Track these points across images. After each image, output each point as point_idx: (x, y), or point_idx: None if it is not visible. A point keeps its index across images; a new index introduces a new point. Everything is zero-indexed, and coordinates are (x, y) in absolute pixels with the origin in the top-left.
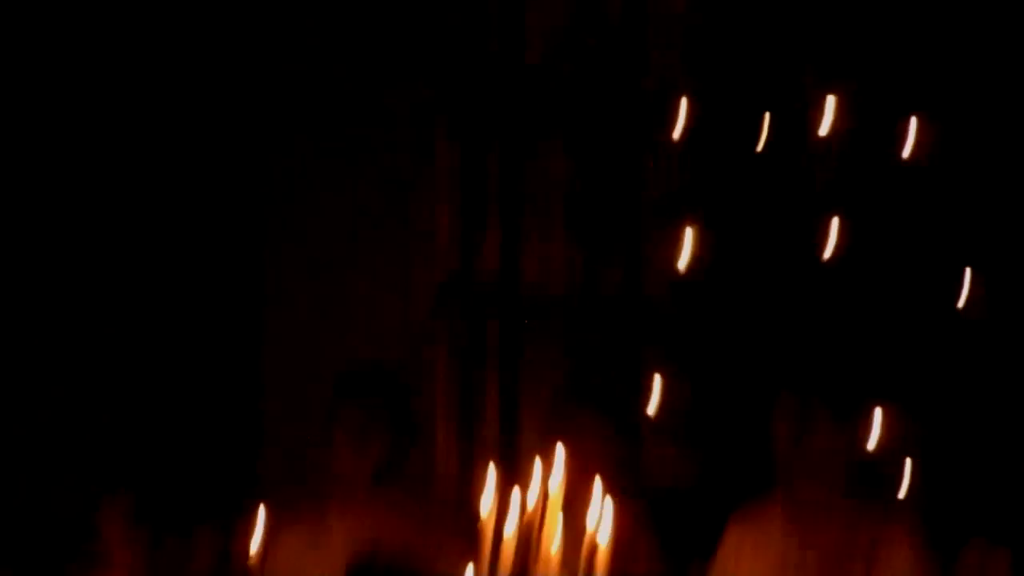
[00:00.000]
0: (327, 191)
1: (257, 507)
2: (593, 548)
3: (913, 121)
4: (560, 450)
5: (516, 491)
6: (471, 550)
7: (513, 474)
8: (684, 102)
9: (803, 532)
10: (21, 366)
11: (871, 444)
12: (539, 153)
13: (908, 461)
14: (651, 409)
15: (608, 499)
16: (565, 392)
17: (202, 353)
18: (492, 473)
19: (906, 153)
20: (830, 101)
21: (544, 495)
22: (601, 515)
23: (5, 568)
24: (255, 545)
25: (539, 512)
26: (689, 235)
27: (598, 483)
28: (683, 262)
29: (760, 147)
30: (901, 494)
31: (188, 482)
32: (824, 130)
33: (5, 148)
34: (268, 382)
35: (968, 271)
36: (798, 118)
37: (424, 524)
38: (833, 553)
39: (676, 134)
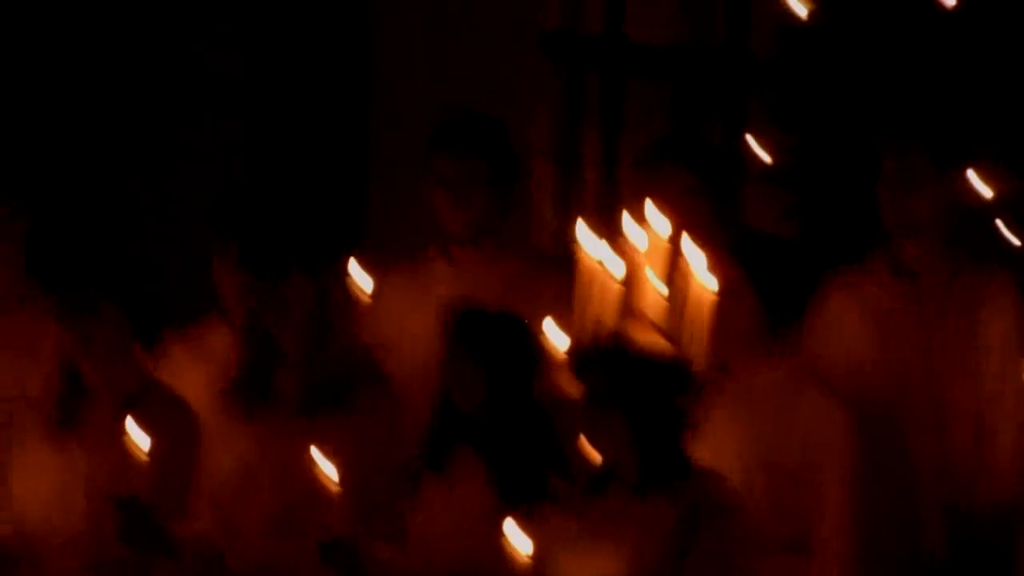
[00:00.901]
0: None
1: (359, 257)
2: (695, 288)
3: None
4: (649, 204)
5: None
6: (570, 300)
7: (612, 226)
8: None
9: (905, 288)
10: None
11: (974, 199)
12: None
13: (1011, 216)
14: (754, 161)
15: (699, 252)
16: (654, 145)
17: (311, 106)
18: (588, 224)
19: None
20: None
21: (645, 244)
22: (700, 265)
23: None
24: (355, 292)
25: (640, 260)
26: None
27: (686, 238)
28: (793, 7)
29: None
30: (1003, 248)
31: (290, 230)
32: None
33: None
34: (374, 135)
35: None
36: None
37: (523, 274)
38: (934, 309)
39: None
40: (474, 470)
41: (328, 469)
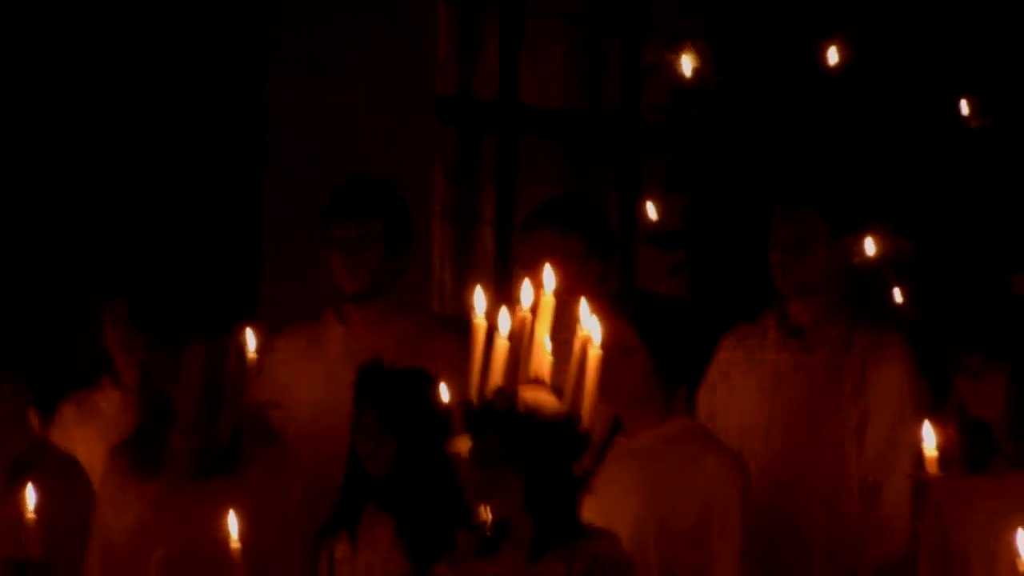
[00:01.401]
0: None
1: (253, 318)
2: (585, 347)
3: None
4: (538, 266)
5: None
6: (465, 359)
7: (508, 285)
8: None
9: (794, 348)
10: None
11: (865, 261)
12: None
13: (901, 278)
14: (646, 222)
15: (590, 308)
16: (538, 210)
17: (204, 171)
18: (482, 285)
19: None
20: None
21: (535, 301)
22: (590, 320)
23: (15, 377)
24: (250, 353)
25: (530, 316)
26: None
27: (583, 301)
28: (685, 72)
29: None
30: (893, 311)
31: (184, 291)
32: None
33: None
34: (267, 198)
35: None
36: None
37: (417, 334)
38: (824, 370)
39: None
40: (384, 530)
41: (229, 527)
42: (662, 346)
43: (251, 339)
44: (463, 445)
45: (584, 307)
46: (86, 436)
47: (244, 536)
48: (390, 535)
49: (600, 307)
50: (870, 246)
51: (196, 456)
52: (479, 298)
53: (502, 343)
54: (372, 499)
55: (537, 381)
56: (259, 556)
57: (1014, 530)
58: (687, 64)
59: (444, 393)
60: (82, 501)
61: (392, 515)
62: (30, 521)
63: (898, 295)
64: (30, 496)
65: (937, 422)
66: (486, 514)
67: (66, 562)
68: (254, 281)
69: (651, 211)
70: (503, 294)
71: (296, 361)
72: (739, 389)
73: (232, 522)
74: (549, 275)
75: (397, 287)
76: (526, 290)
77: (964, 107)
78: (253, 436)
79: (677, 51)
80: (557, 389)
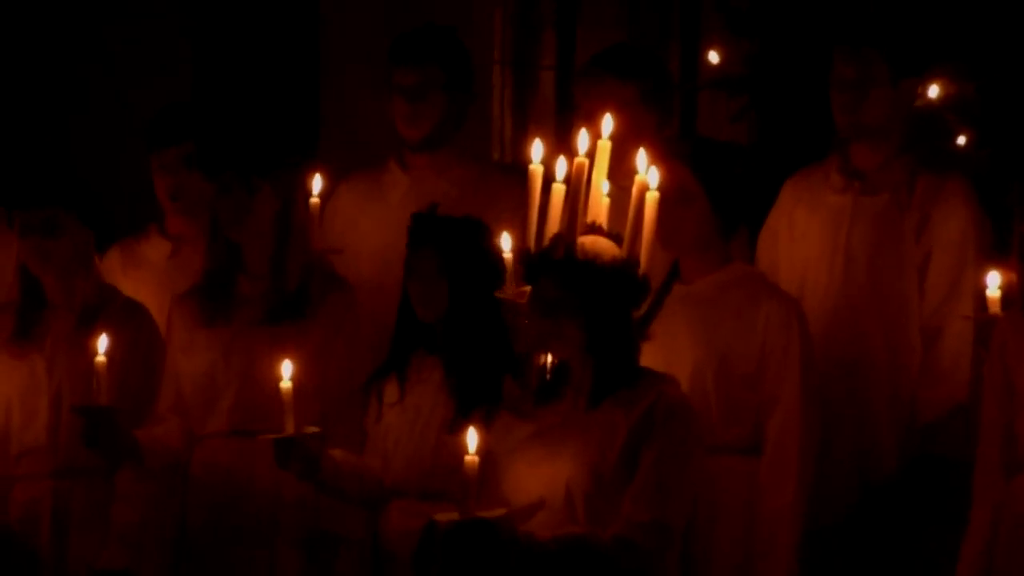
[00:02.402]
0: None
1: (315, 163)
2: (643, 192)
3: None
4: (608, 118)
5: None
6: (525, 207)
7: (567, 131)
8: None
9: (858, 192)
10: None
11: (928, 104)
12: None
13: (964, 122)
14: (708, 68)
15: (648, 155)
16: (595, 57)
17: (261, 16)
18: (540, 132)
19: None
20: None
21: (592, 148)
22: (648, 166)
23: (81, 222)
24: (313, 198)
25: (587, 162)
26: None
27: (641, 148)
28: None
29: None
30: (956, 154)
31: (249, 136)
32: None
33: None
34: (327, 44)
35: None
36: None
37: (478, 181)
38: (886, 213)
39: None
40: (432, 374)
41: (283, 370)
42: (721, 191)
43: (316, 184)
44: (512, 292)
45: (642, 153)
46: (132, 285)
47: (308, 379)
48: (439, 379)
49: (659, 153)
50: (933, 89)
51: (265, 301)
52: (536, 147)
53: (559, 189)
54: (422, 344)
55: (595, 227)
56: (327, 400)
57: None
58: None
59: (505, 241)
60: (151, 346)
61: (441, 359)
62: (100, 366)
63: (961, 139)
64: (101, 342)
65: (999, 265)
66: (546, 361)
67: (135, 408)
68: (315, 128)
69: (713, 56)
70: (563, 140)
71: (358, 209)
72: (801, 232)
73: (286, 364)
74: (607, 121)
75: (458, 134)
76: (583, 136)
77: None
78: (320, 281)
79: None
80: (615, 235)
